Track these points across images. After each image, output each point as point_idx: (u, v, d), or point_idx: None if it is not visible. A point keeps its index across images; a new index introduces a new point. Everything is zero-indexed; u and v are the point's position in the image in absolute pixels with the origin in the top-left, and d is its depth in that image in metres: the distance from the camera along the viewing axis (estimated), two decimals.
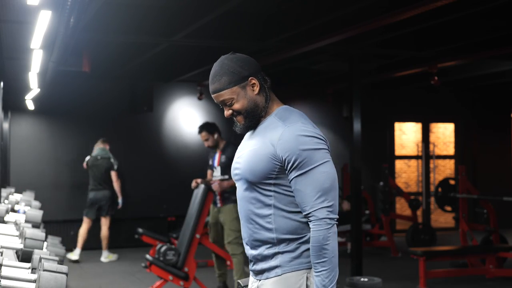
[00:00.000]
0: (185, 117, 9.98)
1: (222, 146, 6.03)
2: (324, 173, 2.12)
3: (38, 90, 7.81)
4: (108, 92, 9.51)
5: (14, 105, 8.86)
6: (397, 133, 11.69)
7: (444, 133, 12.12)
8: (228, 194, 5.84)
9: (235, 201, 5.73)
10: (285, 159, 2.13)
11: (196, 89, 9.69)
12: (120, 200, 8.44)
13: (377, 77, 9.28)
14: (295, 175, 2.13)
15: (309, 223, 2.13)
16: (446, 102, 11.55)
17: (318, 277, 2.10)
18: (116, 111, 9.58)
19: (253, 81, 2.22)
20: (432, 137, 11.89)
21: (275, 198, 2.17)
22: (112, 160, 8.42)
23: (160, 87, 9.73)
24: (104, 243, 8.39)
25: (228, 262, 6.25)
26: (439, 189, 7.96)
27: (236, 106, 2.23)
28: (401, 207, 11.47)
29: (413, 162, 11.90)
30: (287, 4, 5.74)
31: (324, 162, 2.13)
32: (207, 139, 6.02)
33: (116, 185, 8.40)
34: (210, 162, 6.15)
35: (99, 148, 8.51)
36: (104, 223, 8.42)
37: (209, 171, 6.18)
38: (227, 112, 2.26)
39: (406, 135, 11.92)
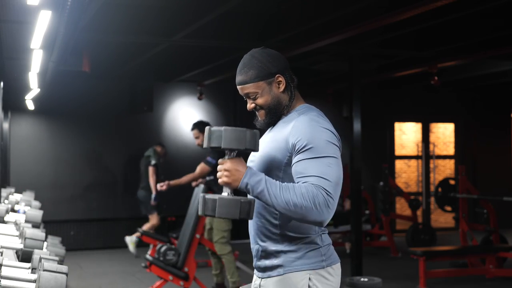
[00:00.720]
0: (185, 117, 9.98)
1: None
2: (331, 166, 2.03)
3: (38, 90, 7.81)
4: (108, 92, 9.51)
5: (14, 105, 8.86)
6: (397, 133, 11.69)
7: (444, 133, 12.12)
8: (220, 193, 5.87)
9: None
10: (295, 144, 2.07)
11: (196, 89, 9.69)
12: (153, 195, 8.34)
13: (377, 77, 9.28)
14: (302, 158, 2.05)
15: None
16: (446, 102, 11.55)
17: (271, 187, 2.00)
18: (116, 111, 9.58)
19: (280, 79, 2.21)
20: (432, 137, 11.89)
21: None
22: (151, 157, 8.46)
23: (160, 87, 9.73)
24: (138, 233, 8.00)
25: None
26: (439, 189, 7.96)
27: (260, 101, 2.22)
28: (401, 207, 11.47)
29: (413, 162, 11.90)
30: (287, 4, 5.74)
31: (333, 157, 2.06)
32: (197, 137, 6.16)
33: (151, 180, 8.37)
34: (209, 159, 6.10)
35: (150, 148, 8.67)
36: (150, 219, 8.37)
37: (201, 164, 6.06)
38: (250, 105, 2.25)
39: (406, 135, 11.92)
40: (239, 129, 2.03)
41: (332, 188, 2.01)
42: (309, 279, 2.12)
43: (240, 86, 2.23)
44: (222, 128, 2.02)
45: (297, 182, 2.05)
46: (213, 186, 5.93)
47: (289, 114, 2.24)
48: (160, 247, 5.71)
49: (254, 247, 2.25)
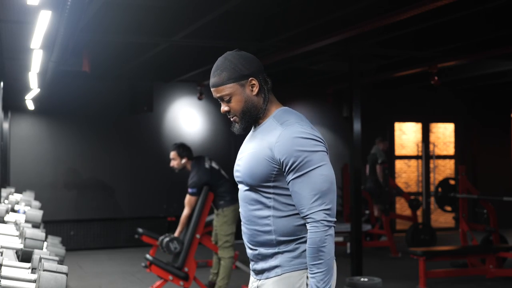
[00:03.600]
0: (185, 117, 9.98)
1: (190, 169, 6.02)
2: (322, 175, 2.11)
3: (38, 90, 7.81)
4: (108, 92, 9.51)
5: (14, 105, 8.85)
6: (397, 133, 11.69)
7: (444, 133, 12.11)
8: (219, 200, 5.90)
9: (224, 206, 5.84)
10: (282, 162, 2.12)
11: (196, 89, 9.69)
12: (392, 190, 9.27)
13: (377, 77, 9.28)
14: (293, 177, 2.12)
15: (306, 225, 2.12)
16: (446, 102, 11.55)
17: (313, 278, 2.09)
18: (116, 111, 9.58)
19: (253, 82, 2.21)
20: (432, 137, 11.89)
21: (274, 200, 2.17)
22: (377, 155, 9.30)
23: (160, 87, 9.73)
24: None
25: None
26: (439, 189, 7.96)
27: (233, 104, 2.22)
28: (401, 207, 11.47)
29: (413, 162, 11.89)
30: (287, 4, 5.74)
31: (322, 165, 2.12)
32: (174, 158, 5.98)
33: (379, 177, 9.16)
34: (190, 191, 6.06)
35: (374, 146, 9.57)
36: (375, 209, 9.36)
37: (187, 198, 5.98)
38: (223, 108, 2.26)
39: (406, 135, 11.92)
40: None
41: (327, 201, 2.11)
42: (307, 277, 2.15)
43: (213, 89, 2.23)
44: None
45: (298, 203, 2.13)
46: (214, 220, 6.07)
47: (266, 119, 2.24)
48: (162, 240, 5.71)
49: (249, 251, 2.28)
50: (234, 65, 2.19)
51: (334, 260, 2.20)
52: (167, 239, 5.68)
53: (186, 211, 5.86)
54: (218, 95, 2.23)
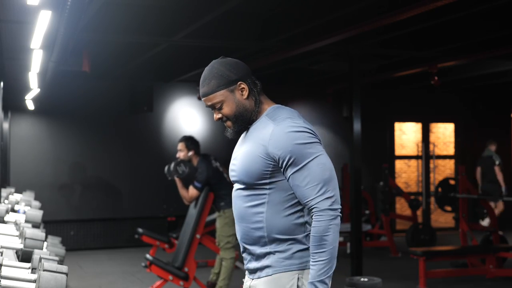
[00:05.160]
0: (185, 117, 9.99)
1: (195, 164, 6.01)
2: (321, 164, 2.12)
3: (38, 90, 7.81)
4: (108, 92, 9.51)
5: (14, 105, 8.86)
6: (397, 133, 11.69)
7: (444, 133, 12.12)
8: (220, 201, 5.90)
9: (225, 207, 5.85)
10: (278, 158, 2.13)
11: (196, 89, 9.68)
12: (503, 189, 9.67)
13: (377, 77, 9.28)
14: (292, 171, 2.13)
15: (312, 215, 2.12)
16: (446, 102, 11.55)
17: (314, 266, 2.09)
18: (116, 111, 9.58)
19: (242, 86, 2.23)
20: (432, 137, 11.89)
21: (269, 197, 2.18)
22: (493, 158, 9.91)
23: (160, 87, 9.73)
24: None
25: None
26: (439, 189, 7.96)
27: (225, 110, 2.24)
28: (401, 207, 11.47)
29: (413, 162, 11.90)
30: (287, 4, 5.74)
31: (319, 154, 2.14)
32: (181, 149, 5.95)
33: (499, 177, 9.77)
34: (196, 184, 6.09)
35: (486, 149, 10.14)
36: (497, 206, 9.78)
37: (191, 188, 6.00)
38: (216, 116, 2.28)
39: (406, 135, 11.92)
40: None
41: (331, 189, 2.12)
42: (298, 279, 2.15)
43: (204, 98, 2.26)
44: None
45: (301, 196, 2.13)
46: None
47: (259, 119, 2.26)
48: (169, 166, 5.75)
49: (242, 250, 2.30)
50: (221, 72, 2.22)
51: None
52: (173, 163, 5.70)
53: (186, 197, 5.86)
54: (209, 103, 2.25)
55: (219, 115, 2.27)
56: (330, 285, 2.11)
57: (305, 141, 2.13)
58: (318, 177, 2.11)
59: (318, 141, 2.17)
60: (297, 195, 2.14)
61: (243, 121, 2.26)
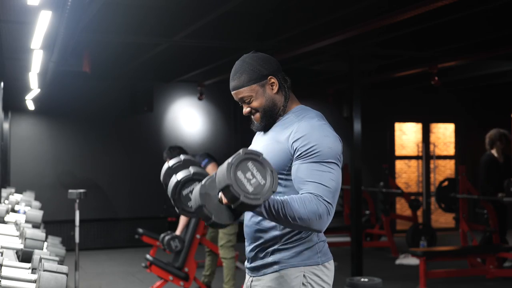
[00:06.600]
0: (185, 117, 9.98)
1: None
2: (332, 172, 2.07)
3: (38, 90, 7.81)
4: (108, 92, 9.52)
5: (14, 105, 8.86)
6: (397, 133, 11.69)
7: (445, 134, 12.12)
8: None
9: None
10: (298, 148, 2.09)
11: (196, 89, 9.69)
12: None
13: (377, 77, 9.28)
14: (303, 162, 2.08)
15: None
16: (446, 102, 11.55)
17: (278, 205, 1.96)
18: (116, 111, 9.58)
19: (272, 80, 2.24)
20: (433, 138, 11.89)
21: (284, 194, 2.12)
22: None
23: (160, 87, 9.74)
24: None
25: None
26: (444, 184, 7.90)
27: (255, 104, 2.24)
28: (401, 207, 11.47)
29: (414, 163, 11.90)
30: (287, 4, 5.74)
31: (335, 163, 2.10)
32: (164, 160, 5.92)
33: None
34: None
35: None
36: None
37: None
38: (246, 110, 2.27)
39: (406, 135, 11.92)
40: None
41: (331, 196, 2.05)
42: (304, 276, 2.14)
43: (234, 92, 2.26)
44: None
45: (297, 188, 2.07)
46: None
47: (285, 115, 2.26)
48: (163, 237, 5.71)
49: (249, 247, 2.27)
50: (252, 66, 2.22)
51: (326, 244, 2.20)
52: (168, 237, 5.68)
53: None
54: (239, 97, 2.25)
55: (248, 109, 2.26)
56: (268, 214, 1.97)
57: (329, 145, 2.10)
58: (323, 180, 2.05)
59: (341, 152, 2.13)
60: (295, 184, 2.09)
61: (271, 116, 2.26)
